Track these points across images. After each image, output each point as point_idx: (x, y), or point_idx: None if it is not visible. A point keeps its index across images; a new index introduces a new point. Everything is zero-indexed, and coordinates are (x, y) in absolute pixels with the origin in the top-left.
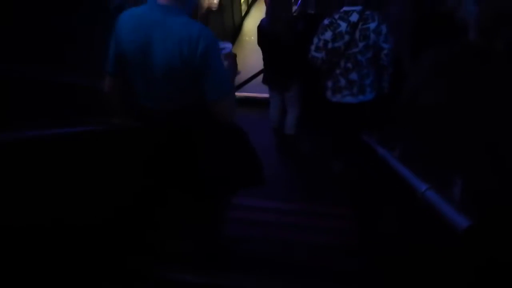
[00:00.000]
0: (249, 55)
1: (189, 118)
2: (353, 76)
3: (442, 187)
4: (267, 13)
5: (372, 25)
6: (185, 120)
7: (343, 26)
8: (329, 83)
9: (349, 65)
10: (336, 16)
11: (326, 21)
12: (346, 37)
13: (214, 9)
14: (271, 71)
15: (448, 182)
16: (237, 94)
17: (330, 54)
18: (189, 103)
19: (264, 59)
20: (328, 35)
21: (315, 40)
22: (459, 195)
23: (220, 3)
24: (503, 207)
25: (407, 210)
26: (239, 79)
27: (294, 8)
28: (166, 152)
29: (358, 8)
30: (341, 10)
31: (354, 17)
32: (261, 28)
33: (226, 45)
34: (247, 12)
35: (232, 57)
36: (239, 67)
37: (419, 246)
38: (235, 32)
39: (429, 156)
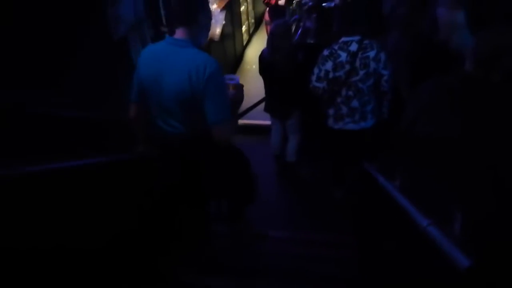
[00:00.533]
0: (251, 83)
1: (198, 140)
2: (355, 103)
3: (443, 221)
4: (268, 43)
5: (372, 54)
6: (194, 142)
7: (343, 56)
8: (331, 111)
9: (351, 93)
10: (336, 47)
11: (326, 52)
12: (347, 67)
13: (216, 39)
14: (272, 100)
15: (448, 216)
16: (240, 121)
17: (332, 84)
18: (198, 127)
19: (265, 87)
20: (328, 65)
21: (316, 70)
22: (459, 230)
23: (221, 33)
24: (504, 244)
25: (409, 243)
26: (242, 107)
27: (294, 38)
28: (177, 171)
29: (357, 37)
30: (340, 41)
31: (353, 47)
32: (262, 58)
33: (234, 77)
34: (248, 41)
35: (239, 88)
36: None
37: (419, 281)
38: (236, 61)
39: (429, 187)
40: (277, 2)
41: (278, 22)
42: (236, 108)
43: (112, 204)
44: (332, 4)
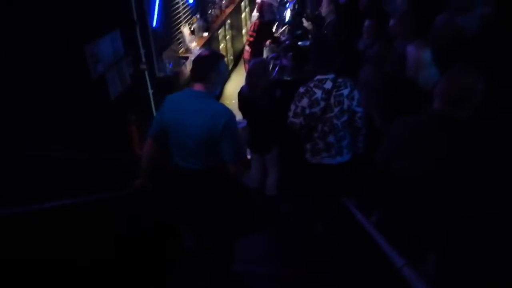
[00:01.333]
0: None
1: (210, 174)
2: (331, 138)
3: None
4: (246, 80)
5: (345, 92)
6: (207, 175)
7: (318, 93)
8: (308, 146)
9: (326, 128)
10: (311, 84)
11: (301, 89)
12: (322, 103)
13: None
14: (251, 135)
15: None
16: None
17: (308, 119)
18: (211, 163)
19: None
20: (304, 102)
21: (293, 106)
22: (433, 271)
23: None
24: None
25: (385, 282)
26: None
27: (272, 75)
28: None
29: (331, 76)
30: (315, 79)
31: (328, 85)
32: (241, 95)
33: (242, 122)
34: (227, 77)
35: (246, 129)
36: None
37: None
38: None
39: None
40: (257, 39)
41: (256, 60)
42: (245, 146)
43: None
44: (307, 43)
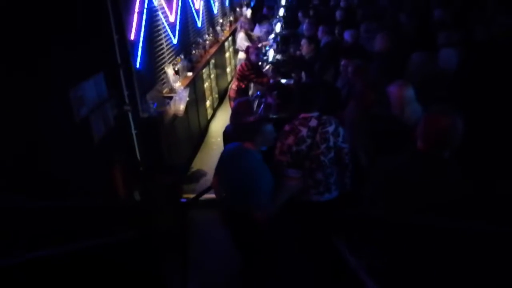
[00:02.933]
0: (216, 156)
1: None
2: (319, 175)
3: None
4: (231, 119)
5: (330, 129)
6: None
7: (304, 131)
8: None
9: (314, 165)
10: (296, 122)
11: (287, 127)
12: (308, 141)
13: (180, 115)
14: None
15: None
16: (207, 196)
17: (295, 157)
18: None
19: None
20: (290, 139)
21: (279, 144)
22: None
23: (186, 108)
24: None
25: None
26: (206, 179)
27: (257, 113)
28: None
29: (316, 114)
30: (300, 117)
31: (313, 123)
32: (226, 133)
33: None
34: (213, 115)
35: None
36: (206, 168)
37: None
38: (201, 135)
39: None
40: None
41: (240, 100)
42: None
43: None
44: (291, 82)
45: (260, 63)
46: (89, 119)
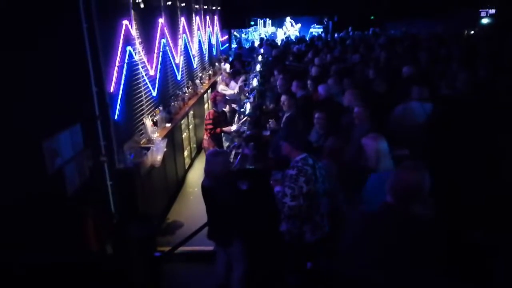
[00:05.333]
0: (193, 207)
1: None
2: (324, 209)
3: None
4: (204, 169)
5: (320, 164)
6: None
7: (309, 169)
8: (307, 227)
9: (318, 201)
10: (299, 164)
11: (292, 172)
12: (313, 178)
13: (157, 165)
14: (212, 227)
15: None
16: (183, 248)
17: (306, 197)
18: None
19: (207, 214)
20: (301, 181)
21: (289, 191)
22: None
23: (163, 159)
24: None
25: None
26: (184, 232)
27: (234, 164)
28: None
29: (305, 154)
30: (298, 159)
31: (310, 161)
32: (203, 184)
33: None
34: (190, 165)
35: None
36: (183, 219)
37: None
38: (178, 185)
39: None
40: (214, 128)
41: (212, 150)
42: None
43: None
44: (268, 133)
45: (228, 113)
46: (63, 171)
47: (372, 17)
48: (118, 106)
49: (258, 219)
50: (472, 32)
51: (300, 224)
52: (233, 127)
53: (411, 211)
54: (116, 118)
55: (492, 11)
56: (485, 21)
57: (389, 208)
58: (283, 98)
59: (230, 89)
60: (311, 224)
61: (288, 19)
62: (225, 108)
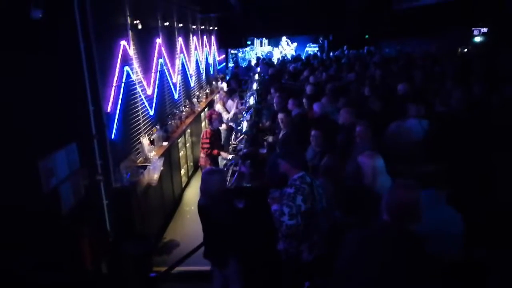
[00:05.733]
0: (190, 226)
1: None
2: (324, 227)
3: None
4: (200, 188)
5: (318, 182)
6: None
7: (307, 188)
8: (304, 246)
9: (317, 220)
10: (297, 182)
11: (290, 190)
12: (311, 196)
13: (154, 184)
14: (208, 246)
15: None
16: (179, 268)
17: (304, 216)
18: None
19: (203, 233)
20: (299, 199)
21: (286, 210)
22: None
23: (160, 177)
24: None
25: None
26: (180, 251)
27: (231, 182)
28: None
29: (302, 172)
30: (295, 177)
31: (308, 179)
32: (199, 203)
33: None
34: (187, 183)
35: None
36: (179, 238)
37: None
38: (175, 203)
39: None
40: (211, 146)
41: (207, 169)
42: None
43: None
44: (265, 151)
45: (225, 131)
46: (58, 190)
47: (367, 36)
48: (115, 125)
49: (254, 238)
50: (466, 50)
51: (298, 243)
52: (229, 156)
53: (406, 229)
54: (113, 137)
55: (485, 29)
56: (478, 39)
57: (385, 226)
58: (280, 115)
59: (227, 110)
60: (309, 243)
61: (284, 38)
62: (221, 126)
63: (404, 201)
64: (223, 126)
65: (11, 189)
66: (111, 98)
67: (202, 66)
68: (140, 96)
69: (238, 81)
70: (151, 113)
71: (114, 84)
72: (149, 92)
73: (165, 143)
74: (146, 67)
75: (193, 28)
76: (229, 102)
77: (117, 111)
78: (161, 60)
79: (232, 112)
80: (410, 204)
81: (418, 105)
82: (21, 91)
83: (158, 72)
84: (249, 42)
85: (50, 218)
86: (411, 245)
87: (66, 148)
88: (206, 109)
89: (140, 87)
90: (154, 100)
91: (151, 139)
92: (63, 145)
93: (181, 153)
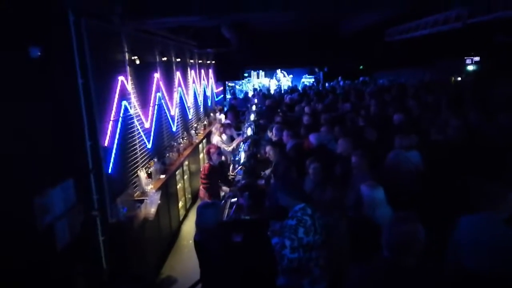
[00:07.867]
0: (187, 261)
1: None
2: (322, 261)
3: None
4: (195, 222)
5: (319, 214)
6: None
7: (309, 220)
8: (306, 281)
9: (318, 253)
10: (299, 214)
11: (292, 222)
12: (313, 228)
13: (151, 219)
14: (206, 283)
15: None
16: None
17: (306, 249)
18: None
19: (200, 269)
20: (301, 232)
21: (288, 242)
22: None
23: (157, 211)
24: None
25: None
26: None
27: (230, 214)
28: None
29: (303, 204)
30: (296, 208)
31: (309, 211)
32: (195, 239)
33: None
34: (185, 216)
35: None
36: (176, 274)
37: None
38: (172, 237)
39: None
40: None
41: (202, 203)
42: None
43: None
44: (263, 182)
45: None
46: (53, 227)
47: (361, 67)
48: (112, 159)
49: (253, 273)
50: (459, 78)
51: (299, 278)
52: (228, 190)
53: (407, 263)
54: (109, 171)
55: (477, 58)
56: (470, 68)
57: (385, 262)
58: (267, 148)
59: (225, 144)
60: (310, 277)
61: (279, 70)
62: (222, 158)
63: (402, 235)
64: (223, 158)
65: (5, 226)
66: (109, 132)
67: (200, 99)
68: (137, 129)
69: (235, 112)
70: (149, 146)
71: (112, 118)
72: (147, 125)
73: (162, 176)
74: (144, 101)
75: (191, 62)
76: (227, 132)
77: (115, 145)
78: (159, 94)
79: (235, 143)
80: (408, 238)
81: (413, 136)
82: (18, 127)
83: (156, 106)
84: (246, 74)
85: (44, 255)
86: (412, 280)
87: (62, 184)
88: (204, 140)
89: (138, 120)
90: (152, 133)
91: (149, 172)
92: (59, 180)
93: (179, 186)
